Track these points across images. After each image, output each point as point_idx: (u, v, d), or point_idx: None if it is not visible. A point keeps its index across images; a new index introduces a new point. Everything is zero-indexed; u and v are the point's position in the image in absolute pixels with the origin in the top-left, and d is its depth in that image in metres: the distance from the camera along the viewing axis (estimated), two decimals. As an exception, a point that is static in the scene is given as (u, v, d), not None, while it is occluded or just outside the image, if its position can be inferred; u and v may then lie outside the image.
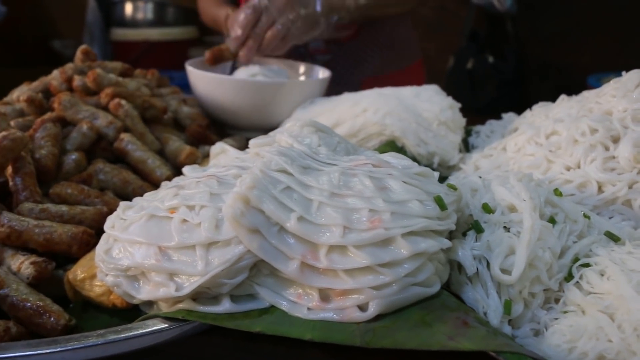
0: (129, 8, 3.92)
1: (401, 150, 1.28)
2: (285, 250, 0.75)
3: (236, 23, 1.56)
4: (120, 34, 3.96)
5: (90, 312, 0.92)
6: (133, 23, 3.92)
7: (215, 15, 1.97)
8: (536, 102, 1.41)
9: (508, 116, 1.50)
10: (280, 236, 0.76)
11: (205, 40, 4.14)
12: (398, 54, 2.05)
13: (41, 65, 3.98)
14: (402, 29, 2.12)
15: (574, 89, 1.34)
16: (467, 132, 1.48)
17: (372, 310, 0.73)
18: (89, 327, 0.83)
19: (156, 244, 0.79)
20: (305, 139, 0.95)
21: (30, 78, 1.48)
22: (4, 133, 1.02)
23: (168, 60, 3.63)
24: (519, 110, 1.50)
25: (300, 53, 1.99)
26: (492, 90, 3.33)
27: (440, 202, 0.80)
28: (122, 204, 0.91)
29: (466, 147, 1.45)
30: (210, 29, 4.33)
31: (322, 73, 1.60)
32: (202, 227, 0.77)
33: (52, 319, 0.83)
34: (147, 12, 3.91)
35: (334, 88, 1.60)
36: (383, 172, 0.83)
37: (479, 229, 0.85)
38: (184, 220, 0.80)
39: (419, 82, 2.05)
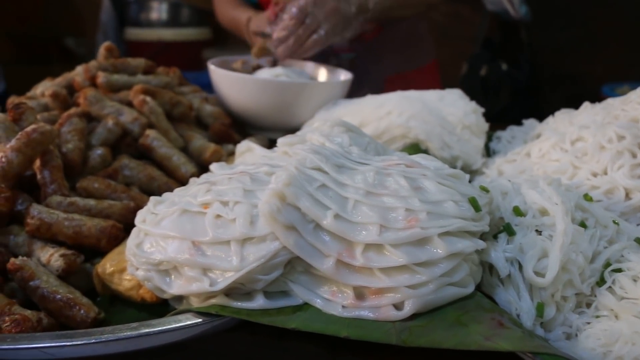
0: (143, 8, 3.94)
1: (425, 153, 1.27)
2: (321, 248, 0.75)
3: (281, 23, 1.56)
4: (134, 33, 3.97)
5: (117, 306, 0.92)
6: (147, 23, 3.94)
7: (236, 18, 1.97)
8: (549, 110, 1.41)
9: (529, 122, 1.50)
10: (315, 233, 0.76)
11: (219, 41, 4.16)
12: (416, 53, 2.05)
13: (54, 62, 4.01)
14: (420, 27, 2.13)
15: (587, 98, 1.34)
16: (488, 137, 1.48)
17: (408, 309, 0.73)
18: (116, 321, 0.84)
19: (190, 239, 0.79)
20: (336, 138, 0.95)
21: (44, 75, 1.49)
22: (33, 126, 1.02)
23: (181, 61, 3.64)
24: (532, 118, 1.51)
25: (324, 51, 1.99)
26: (505, 98, 3.32)
27: (474, 204, 0.80)
28: (153, 198, 0.91)
29: (487, 152, 1.45)
30: (224, 30, 4.34)
31: (344, 75, 1.60)
32: (237, 222, 0.77)
33: (81, 311, 0.83)
34: (161, 12, 3.92)
35: (355, 86, 1.60)
36: (417, 172, 0.83)
37: (510, 232, 0.85)
38: (218, 216, 0.80)
39: (435, 81, 2.07)
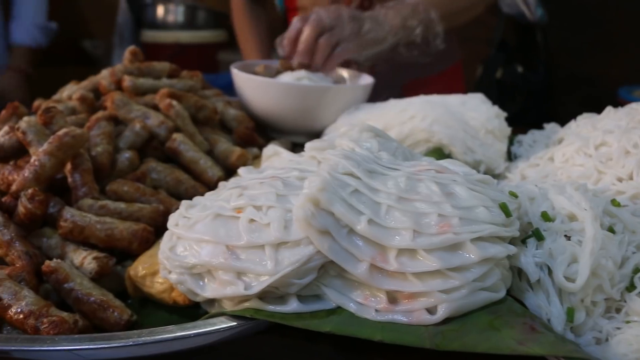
0: (160, 10, 3.96)
1: (448, 157, 1.28)
2: (355, 252, 0.76)
3: (302, 41, 1.57)
4: (151, 35, 4.00)
5: (148, 309, 0.94)
6: (164, 25, 3.96)
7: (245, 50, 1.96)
8: (565, 113, 1.41)
9: (551, 126, 1.50)
10: (349, 238, 0.77)
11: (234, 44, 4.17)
12: (440, 55, 2.05)
13: (72, 65, 4.04)
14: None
15: (603, 101, 1.34)
16: (509, 141, 1.49)
17: (441, 313, 0.74)
18: (148, 323, 0.86)
19: (224, 243, 0.80)
20: (366, 144, 0.96)
21: (61, 77, 1.51)
22: (64, 130, 1.04)
23: (198, 63, 3.65)
24: (548, 121, 1.51)
25: None
26: (521, 101, 3.33)
27: (505, 209, 0.81)
28: (184, 202, 0.92)
29: (508, 156, 1.46)
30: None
31: (366, 79, 1.61)
32: (272, 227, 0.78)
33: (115, 313, 0.85)
34: (177, 14, 3.95)
35: (376, 91, 1.61)
36: (447, 178, 0.84)
37: (539, 237, 0.86)
38: (252, 220, 0.81)
39: (459, 83, 2.06)
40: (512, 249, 0.80)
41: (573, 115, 1.38)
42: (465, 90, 1.56)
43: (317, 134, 1.48)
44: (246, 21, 2.18)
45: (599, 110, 1.33)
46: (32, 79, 3.26)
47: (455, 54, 2.21)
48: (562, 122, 1.42)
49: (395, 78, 2.00)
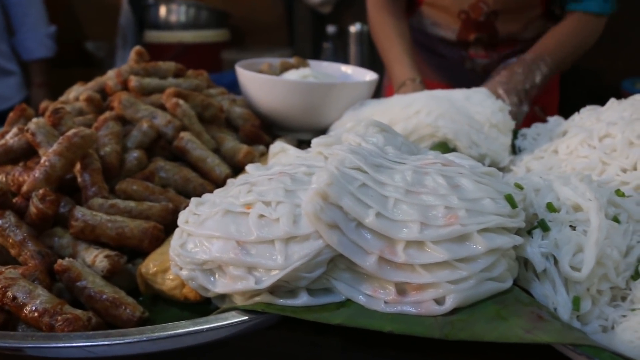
0: (162, 11, 3.98)
1: (453, 152, 1.29)
2: (364, 245, 0.77)
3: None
4: (154, 36, 4.02)
5: (159, 305, 0.95)
6: (166, 25, 3.98)
7: (390, 64, 1.94)
8: (570, 105, 1.42)
9: (555, 119, 1.50)
10: (358, 231, 0.78)
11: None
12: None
13: (75, 66, 4.05)
14: None
15: (607, 93, 1.34)
16: (514, 135, 1.50)
17: (450, 303, 0.75)
18: (159, 320, 0.86)
19: (234, 239, 0.81)
20: (372, 138, 0.97)
21: (65, 79, 1.52)
22: (74, 130, 1.06)
23: (201, 63, 3.66)
24: (553, 114, 1.52)
25: (460, 56, 2.12)
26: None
27: (511, 201, 0.82)
28: (194, 199, 0.93)
29: (513, 149, 1.46)
30: (242, 31, 4.37)
31: (370, 75, 1.62)
32: (281, 222, 0.79)
33: (127, 310, 0.86)
34: (180, 14, 3.96)
35: None
36: (453, 171, 0.85)
37: (545, 227, 0.87)
38: (261, 216, 0.82)
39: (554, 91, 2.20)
40: (519, 240, 0.81)
41: (577, 108, 1.39)
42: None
43: (322, 131, 1.49)
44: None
45: (603, 102, 1.33)
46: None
47: None
48: (566, 115, 1.42)
49: None
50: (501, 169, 1.33)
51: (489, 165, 1.30)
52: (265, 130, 1.50)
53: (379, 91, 2.14)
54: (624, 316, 0.80)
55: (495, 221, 0.79)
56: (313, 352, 0.90)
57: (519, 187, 0.91)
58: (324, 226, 0.77)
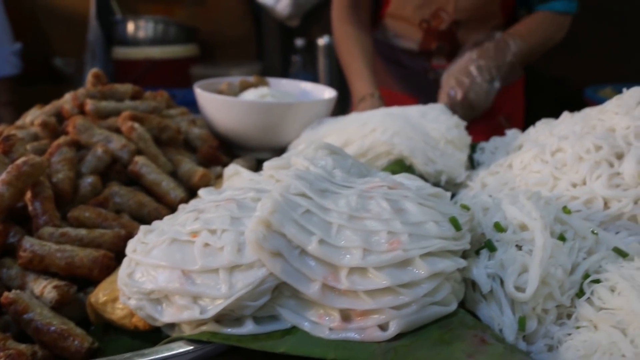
0: (130, 27, 3.96)
1: (409, 169, 1.30)
2: (307, 273, 0.77)
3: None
4: (122, 52, 4.00)
5: (111, 335, 0.94)
6: (134, 41, 3.96)
7: (351, 78, 1.98)
8: (534, 113, 1.44)
9: (512, 132, 1.52)
10: (301, 259, 0.78)
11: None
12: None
13: (43, 82, 4.02)
14: None
15: (571, 101, 1.37)
16: (472, 149, 1.51)
17: (393, 329, 0.75)
18: (110, 350, 0.86)
19: (179, 268, 0.81)
20: (320, 162, 0.97)
21: (33, 95, 1.51)
22: (23, 159, 1.04)
23: (170, 78, 3.67)
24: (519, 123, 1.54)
25: (423, 67, 2.15)
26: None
27: (455, 223, 0.83)
28: (143, 227, 0.93)
29: (471, 163, 1.48)
30: (210, 46, 4.36)
31: (329, 93, 1.63)
32: (225, 250, 0.79)
33: (76, 342, 0.85)
34: (148, 30, 3.94)
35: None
36: (398, 194, 0.86)
37: (491, 248, 0.87)
38: (207, 244, 0.82)
39: (520, 96, 2.24)
40: (462, 263, 0.82)
41: (542, 117, 1.41)
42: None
43: (282, 150, 1.49)
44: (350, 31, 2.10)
45: (568, 109, 1.35)
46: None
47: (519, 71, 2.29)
48: (531, 122, 1.44)
49: None
50: (458, 185, 1.34)
51: (446, 182, 1.31)
52: (224, 150, 1.50)
53: (347, 104, 2.15)
54: (569, 334, 0.80)
55: (438, 245, 0.79)
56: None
57: (465, 207, 0.91)
58: (267, 255, 0.76)
